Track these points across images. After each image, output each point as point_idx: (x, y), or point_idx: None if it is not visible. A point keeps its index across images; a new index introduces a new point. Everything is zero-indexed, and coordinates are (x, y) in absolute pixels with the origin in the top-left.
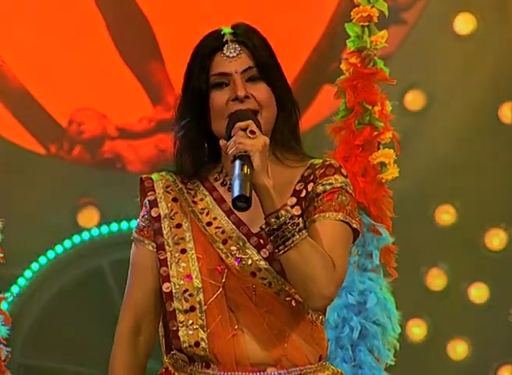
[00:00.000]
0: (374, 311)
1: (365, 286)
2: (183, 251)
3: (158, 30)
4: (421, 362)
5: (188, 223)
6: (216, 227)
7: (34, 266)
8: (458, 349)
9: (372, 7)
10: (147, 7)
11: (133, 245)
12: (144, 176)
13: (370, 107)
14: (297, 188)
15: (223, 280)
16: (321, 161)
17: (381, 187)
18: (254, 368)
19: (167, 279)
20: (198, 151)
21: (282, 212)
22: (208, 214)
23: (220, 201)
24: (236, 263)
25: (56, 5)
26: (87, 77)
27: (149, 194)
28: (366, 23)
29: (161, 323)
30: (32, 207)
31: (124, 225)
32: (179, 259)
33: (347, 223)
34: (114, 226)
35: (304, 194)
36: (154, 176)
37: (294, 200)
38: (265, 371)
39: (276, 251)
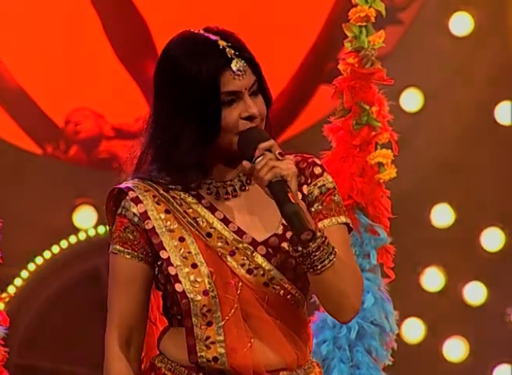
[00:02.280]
0: (371, 311)
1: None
2: (194, 265)
3: (154, 29)
4: (418, 362)
5: (189, 235)
6: (218, 238)
7: (31, 266)
8: (455, 349)
9: (370, 7)
10: (143, 6)
11: (112, 257)
12: (122, 186)
13: (368, 107)
14: None
15: (238, 293)
16: (300, 158)
17: (378, 188)
18: (269, 374)
19: (183, 295)
20: (202, 167)
21: (318, 234)
22: (203, 224)
23: (212, 209)
24: (248, 275)
25: (52, 5)
26: (83, 77)
27: (139, 206)
28: (364, 23)
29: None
30: (28, 207)
31: None
32: (191, 274)
33: (347, 223)
34: None
35: (300, 197)
36: (133, 185)
37: None
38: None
39: (311, 271)
